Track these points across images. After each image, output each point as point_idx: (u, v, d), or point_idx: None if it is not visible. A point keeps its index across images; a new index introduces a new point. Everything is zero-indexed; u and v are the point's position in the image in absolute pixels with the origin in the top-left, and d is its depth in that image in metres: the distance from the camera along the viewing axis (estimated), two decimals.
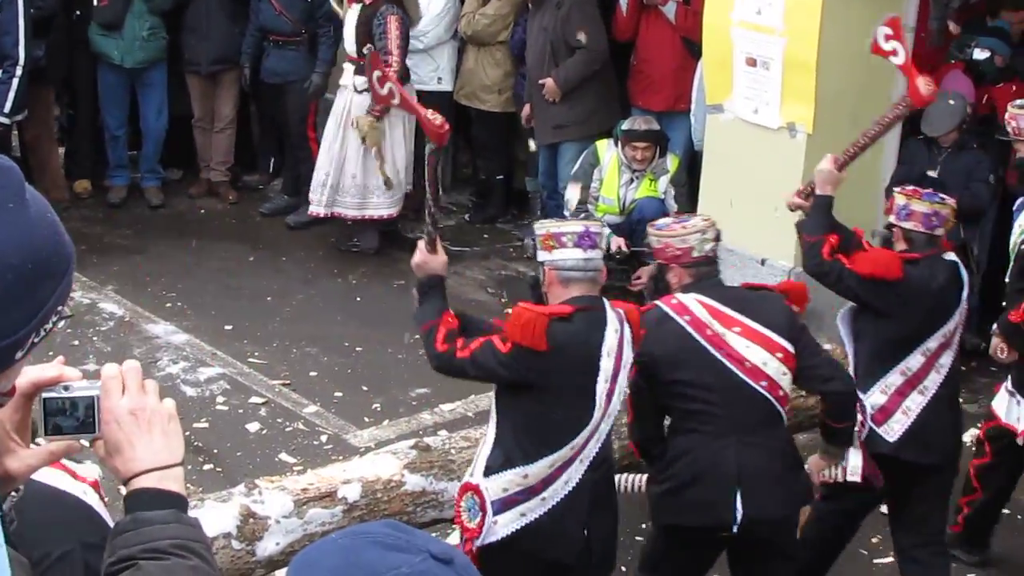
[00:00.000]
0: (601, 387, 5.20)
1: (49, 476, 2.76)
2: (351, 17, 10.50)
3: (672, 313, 5.58)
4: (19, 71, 10.22)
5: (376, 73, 5.96)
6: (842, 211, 6.49)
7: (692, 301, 5.60)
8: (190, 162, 12.19)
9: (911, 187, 6.42)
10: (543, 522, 5.24)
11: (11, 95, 10.19)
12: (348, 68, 10.60)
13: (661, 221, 5.93)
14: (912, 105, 6.44)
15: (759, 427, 5.55)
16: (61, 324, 2.26)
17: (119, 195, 11.58)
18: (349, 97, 10.53)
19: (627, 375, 5.35)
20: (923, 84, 6.23)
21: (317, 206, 10.67)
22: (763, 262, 8.41)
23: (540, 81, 10.41)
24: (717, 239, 5.81)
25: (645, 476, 5.96)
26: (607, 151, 9.90)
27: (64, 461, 2.62)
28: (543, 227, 5.43)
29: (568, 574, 5.35)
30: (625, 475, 6.15)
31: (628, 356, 5.31)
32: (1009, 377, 6.75)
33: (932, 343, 6.16)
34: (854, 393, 5.88)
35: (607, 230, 5.47)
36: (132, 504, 2.42)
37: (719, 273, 5.85)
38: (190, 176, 12.15)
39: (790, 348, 5.58)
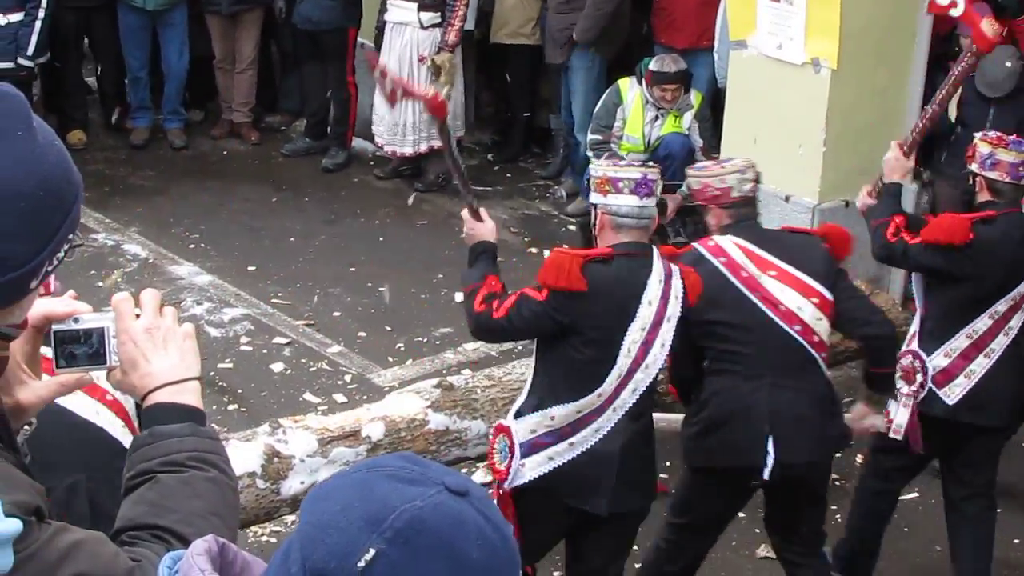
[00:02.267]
0: (635, 334, 5.13)
1: (70, 395, 2.77)
2: None
3: (708, 255, 5.55)
4: (41, 13, 10.21)
5: (376, 73, 6.02)
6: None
7: (729, 243, 5.55)
8: (212, 104, 12.18)
9: (995, 134, 6.13)
10: (572, 468, 5.20)
11: (34, 37, 10.20)
12: (403, 5, 10.57)
13: (699, 163, 5.88)
14: (981, 52, 6.23)
15: (792, 370, 5.50)
16: (72, 253, 2.27)
17: (142, 136, 11.57)
18: (413, 34, 10.53)
19: (672, 329, 5.21)
20: (988, 27, 6.04)
21: (396, 146, 10.79)
22: (787, 199, 8.37)
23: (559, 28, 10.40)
24: (757, 180, 5.74)
25: (682, 416, 5.95)
26: (630, 89, 9.83)
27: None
28: (600, 169, 5.33)
29: (599, 524, 5.29)
30: (663, 415, 6.16)
31: (674, 309, 5.21)
32: None
33: (1001, 306, 5.98)
34: (893, 337, 5.79)
35: (659, 179, 5.33)
36: (149, 418, 2.43)
37: (758, 214, 5.80)
38: (212, 118, 12.14)
39: (827, 294, 5.52)
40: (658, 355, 5.20)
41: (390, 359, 8.31)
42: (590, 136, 9.97)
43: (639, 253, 5.20)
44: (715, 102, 9.83)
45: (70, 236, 2.25)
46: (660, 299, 5.17)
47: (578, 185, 10.61)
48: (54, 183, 2.19)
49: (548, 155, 11.55)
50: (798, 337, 5.49)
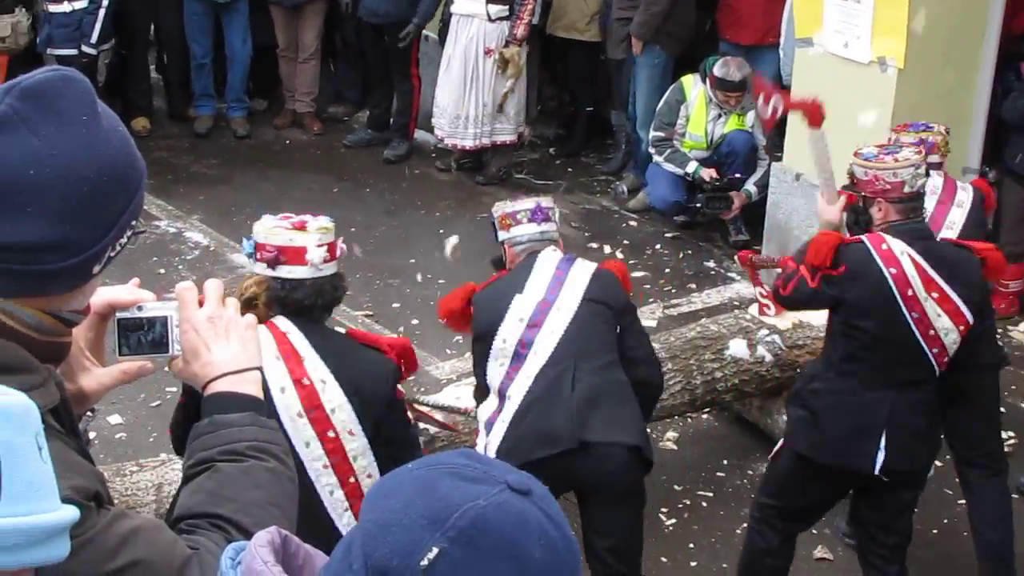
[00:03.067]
0: (533, 290, 5.42)
1: None
2: None
3: (878, 259, 5.37)
4: (105, 1, 10.29)
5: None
6: None
7: (903, 254, 5.37)
8: (275, 93, 12.23)
9: None
10: (521, 418, 5.24)
11: (98, 25, 10.28)
12: None
13: (867, 150, 5.62)
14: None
15: (916, 384, 5.47)
16: (135, 240, 2.27)
17: (205, 125, 11.65)
18: (480, 26, 10.54)
19: (584, 283, 5.43)
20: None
21: (457, 138, 10.78)
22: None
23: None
24: (927, 175, 5.64)
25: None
26: (693, 87, 9.80)
27: None
28: (498, 209, 5.73)
29: (570, 473, 5.17)
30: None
31: (580, 273, 5.48)
32: None
33: None
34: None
35: (554, 207, 5.59)
36: (210, 407, 2.44)
37: (925, 211, 5.68)
38: (275, 107, 12.19)
39: (972, 321, 5.47)
40: (568, 301, 5.37)
41: (448, 351, 8.31)
42: (652, 133, 9.94)
43: (531, 257, 5.58)
44: None
45: (133, 222, 2.25)
46: (555, 269, 5.48)
47: (640, 181, 10.58)
48: (118, 169, 2.20)
49: (611, 150, 11.53)
50: (932, 358, 5.43)
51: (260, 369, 2.51)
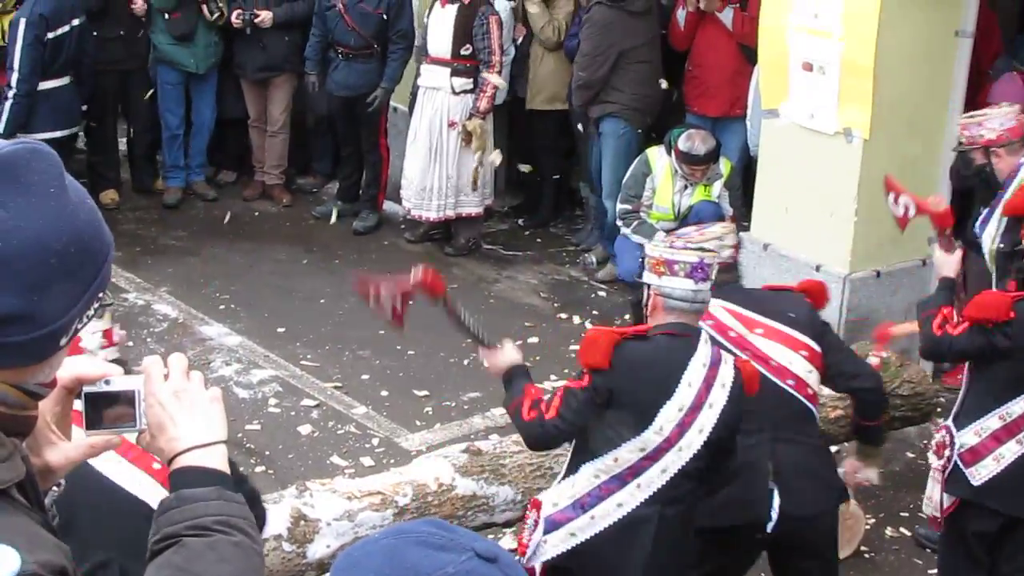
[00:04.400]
0: (671, 412, 5.03)
1: (112, 462, 2.77)
2: (444, 17, 10.54)
3: None
4: (11, 94, 10.23)
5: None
6: None
7: (715, 307, 5.51)
8: (243, 166, 12.26)
9: None
10: (594, 548, 5.10)
11: (4, 115, 10.24)
12: (435, 70, 10.64)
13: (680, 230, 5.84)
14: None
15: (790, 423, 5.52)
16: (103, 312, 2.28)
17: (174, 196, 11.66)
18: (445, 99, 10.59)
19: (715, 416, 5.09)
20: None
21: (423, 210, 10.81)
22: (818, 268, 8.34)
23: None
24: (737, 246, 5.76)
25: None
26: (659, 159, 9.82)
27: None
28: (657, 250, 5.26)
29: None
30: None
31: (717, 397, 5.09)
32: None
33: None
34: (881, 390, 5.83)
35: (714, 264, 5.33)
36: (176, 482, 2.43)
37: (740, 279, 5.81)
38: (243, 179, 12.21)
39: (814, 346, 5.55)
40: (694, 439, 5.05)
41: (418, 423, 8.29)
42: (619, 206, 9.95)
43: (683, 334, 5.13)
44: (747, 170, 9.84)
45: (100, 294, 2.26)
46: (702, 382, 5.07)
47: (608, 252, 10.61)
48: (85, 241, 2.20)
49: (580, 219, 11.57)
50: (792, 391, 5.51)
51: (226, 443, 2.51)
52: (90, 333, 4.45)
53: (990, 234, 6.84)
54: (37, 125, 10.14)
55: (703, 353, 5.11)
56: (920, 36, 8.27)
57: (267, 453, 7.83)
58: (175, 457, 2.45)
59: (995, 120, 6.79)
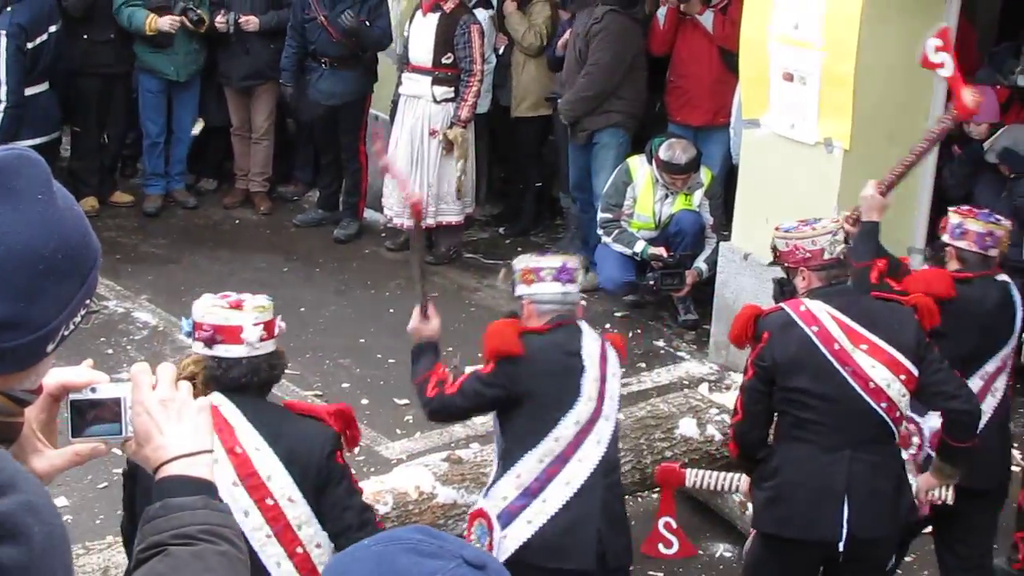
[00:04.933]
0: (589, 384, 5.30)
1: None
2: (426, 26, 10.55)
3: (799, 320, 5.45)
4: (1, 107, 10.18)
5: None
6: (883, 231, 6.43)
7: (822, 311, 5.46)
8: (224, 174, 12.25)
9: (966, 207, 6.31)
10: (551, 527, 5.24)
11: None
12: (417, 78, 10.66)
13: (787, 223, 5.75)
14: (958, 118, 6.34)
15: (872, 443, 5.47)
16: (88, 319, 2.27)
17: (155, 204, 11.63)
18: (426, 107, 10.61)
19: (616, 386, 5.41)
20: (969, 96, 6.08)
21: (404, 218, 10.75)
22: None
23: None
24: (846, 241, 5.72)
25: (743, 476, 5.97)
26: (639, 168, 9.86)
27: None
28: (522, 262, 5.54)
29: None
30: (723, 474, 6.17)
31: (614, 367, 5.43)
32: None
33: (990, 366, 6.06)
34: (979, 413, 5.75)
35: (579, 268, 5.55)
36: (162, 491, 2.42)
37: (848, 277, 5.73)
38: (224, 187, 12.20)
39: (914, 371, 5.46)
40: (612, 408, 5.37)
41: (398, 431, 8.28)
42: (600, 215, 10.00)
43: (568, 322, 5.44)
44: (729, 179, 9.86)
45: (87, 301, 2.26)
46: (598, 356, 5.38)
47: (588, 260, 10.62)
48: (72, 247, 2.20)
49: (560, 228, 11.58)
50: (882, 413, 5.43)
51: (212, 452, 2.51)
52: (251, 324, 4.48)
53: None
54: (19, 133, 10.11)
55: (589, 332, 5.49)
56: (900, 47, 8.28)
57: None
58: (161, 466, 2.44)
59: None
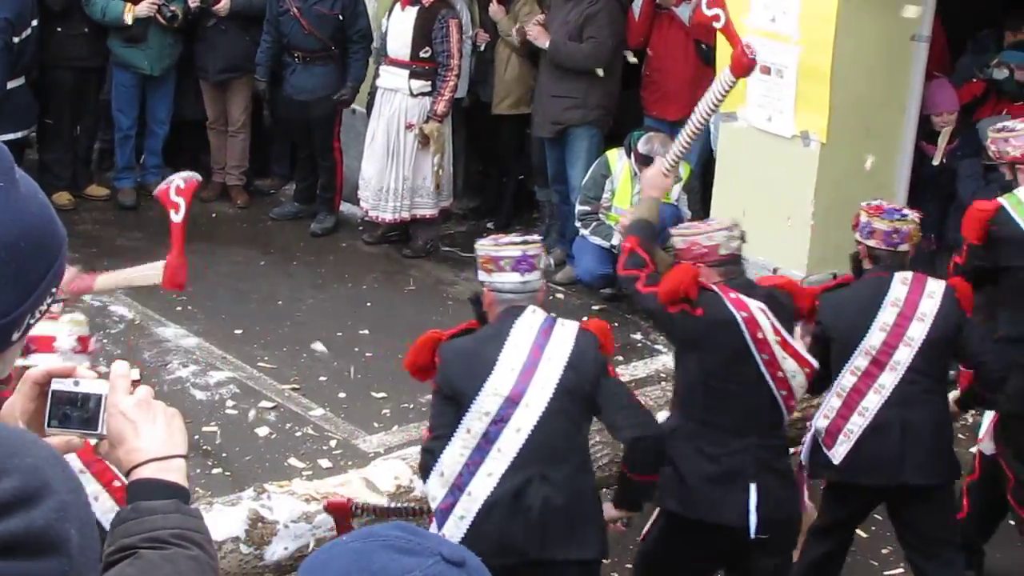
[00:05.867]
0: (503, 375, 5.23)
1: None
2: (404, 19, 10.53)
3: (730, 305, 5.53)
4: None
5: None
6: None
7: (750, 301, 5.57)
8: (199, 167, 12.20)
9: (875, 203, 6.34)
10: (481, 521, 5.20)
11: None
12: (394, 71, 10.65)
13: (684, 223, 5.96)
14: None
15: (773, 428, 5.65)
16: (56, 307, 2.26)
17: (130, 197, 11.57)
18: (403, 101, 10.60)
19: (554, 371, 5.26)
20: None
21: (380, 211, 10.82)
22: (775, 271, 8.38)
23: (529, 33, 10.48)
24: (742, 238, 5.79)
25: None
26: (618, 161, 9.87)
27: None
28: (483, 248, 5.53)
29: None
30: None
31: (556, 352, 5.28)
32: None
33: (860, 360, 6.08)
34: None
35: (540, 254, 5.52)
36: (134, 493, 2.41)
37: (744, 272, 5.82)
38: (201, 181, 12.14)
39: (815, 364, 5.65)
40: (542, 396, 5.21)
41: (376, 424, 8.28)
42: (578, 207, 10.00)
43: (510, 316, 5.37)
44: (706, 172, 9.86)
45: (53, 289, 2.23)
46: (533, 343, 5.27)
47: (567, 253, 10.63)
48: (36, 234, 2.17)
49: (537, 222, 11.57)
50: (782, 401, 5.60)
51: (185, 457, 2.49)
52: (66, 335, 4.49)
53: None
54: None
55: (531, 320, 5.35)
56: (877, 41, 8.32)
57: (224, 455, 7.80)
58: (133, 468, 2.43)
59: (1022, 137, 6.81)
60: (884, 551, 7.08)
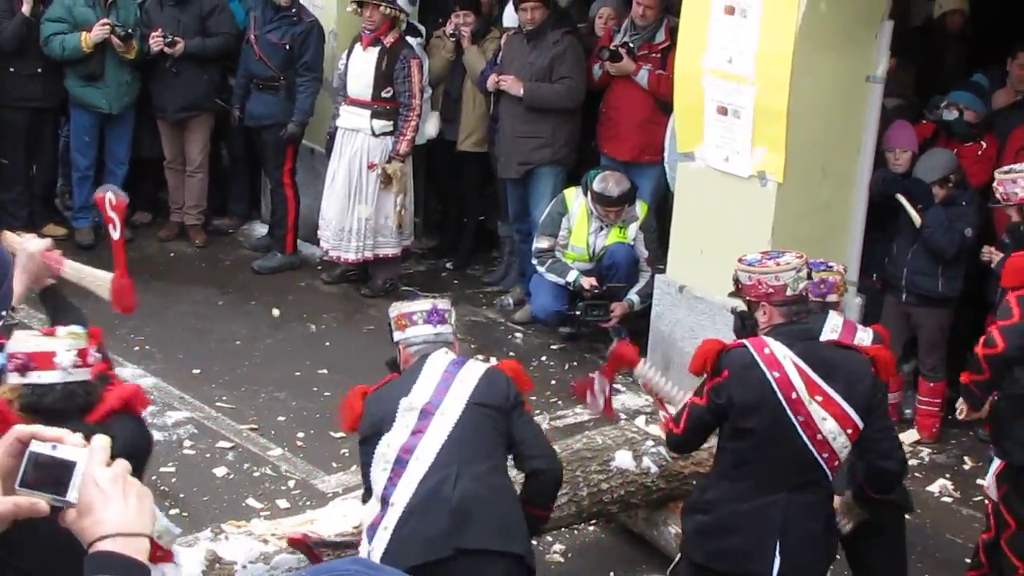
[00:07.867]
0: (417, 395, 5.42)
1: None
2: (366, 59, 10.56)
3: (761, 363, 5.45)
4: None
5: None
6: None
7: (785, 358, 5.46)
8: (158, 207, 12.17)
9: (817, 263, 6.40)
10: (401, 526, 5.22)
11: None
12: (355, 111, 10.66)
13: (751, 256, 5.73)
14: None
15: (808, 487, 5.52)
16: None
17: (87, 237, 11.51)
18: (365, 141, 10.60)
19: (464, 390, 5.43)
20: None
21: (341, 251, 10.84)
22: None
23: (503, 84, 10.46)
24: (809, 277, 5.73)
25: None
26: (575, 199, 9.91)
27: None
28: (395, 309, 5.81)
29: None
30: (671, 384, 6.42)
31: (469, 375, 5.51)
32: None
33: None
34: (903, 473, 5.87)
35: (451, 309, 5.85)
36: (94, 566, 2.38)
37: (810, 311, 5.77)
38: (159, 220, 12.12)
39: (860, 425, 5.49)
40: (452, 405, 5.39)
41: (334, 464, 8.25)
42: (535, 244, 10.03)
43: (423, 359, 5.60)
44: (662, 212, 9.90)
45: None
46: (444, 372, 5.52)
47: (524, 292, 10.64)
48: None
49: (497, 263, 11.58)
50: (821, 461, 5.48)
51: (150, 538, 2.47)
52: (65, 350, 4.47)
53: None
54: None
55: (444, 358, 5.62)
56: (833, 81, 8.38)
57: (182, 496, 7.76)
58: (97, 540, 2.41)
59: None
60: None
